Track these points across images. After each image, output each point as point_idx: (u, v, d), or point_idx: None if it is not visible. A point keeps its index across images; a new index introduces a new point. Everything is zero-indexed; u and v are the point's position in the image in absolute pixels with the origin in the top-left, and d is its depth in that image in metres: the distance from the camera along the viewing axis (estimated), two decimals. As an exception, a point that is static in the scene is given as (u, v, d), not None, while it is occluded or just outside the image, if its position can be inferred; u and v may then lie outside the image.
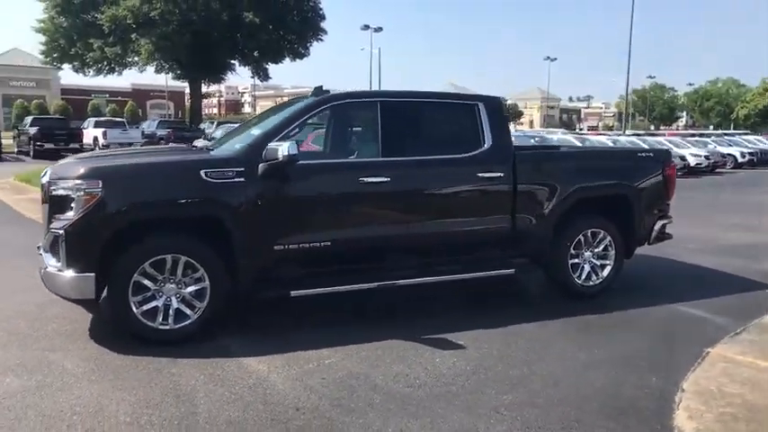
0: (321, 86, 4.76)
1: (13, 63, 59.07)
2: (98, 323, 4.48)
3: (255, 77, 43.44)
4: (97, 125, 26.61)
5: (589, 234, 5.33)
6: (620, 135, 28.26)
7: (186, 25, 30.67)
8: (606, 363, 3.94)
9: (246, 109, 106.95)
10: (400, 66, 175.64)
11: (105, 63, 33.64)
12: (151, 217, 4.02)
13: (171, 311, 4.06)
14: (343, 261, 4.54)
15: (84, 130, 26.11)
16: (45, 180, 4.10)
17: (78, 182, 3.85)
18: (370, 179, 4.46)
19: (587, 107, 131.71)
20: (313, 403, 3.30)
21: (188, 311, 4.10)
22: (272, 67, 40.61)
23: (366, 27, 43.69)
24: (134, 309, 3.96)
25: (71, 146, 23.27)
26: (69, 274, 3.84)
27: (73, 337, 4.19)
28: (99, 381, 3.53)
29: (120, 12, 29.35)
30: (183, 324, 4.08)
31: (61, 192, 3.92)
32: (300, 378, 3.62)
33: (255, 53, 38.56)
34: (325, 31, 40.48)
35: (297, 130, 4.47)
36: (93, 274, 3.84)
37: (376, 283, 4.61)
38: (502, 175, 4.91)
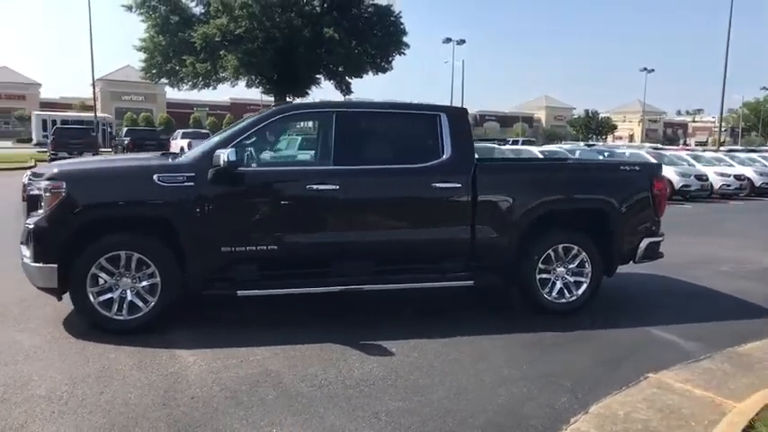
0: (285, 98, 4.99)
1: (127, 79, 64.96)
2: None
3: (339, 91, 44.86)
4: (184, 136, 28.74)
5: (560, 249, 5.15)
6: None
7: (270, 42, 32.37)
8: (528, 380, 3.82)
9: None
10: (490, 78, 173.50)
11: (198, 78, 36.24)
12: (108, 216, 4.44)
13: (125, 303, 4.44)
14: (291, 266, 4.72)
15: (172, 141, 28.28)
16: (25, 181, 4.64)
17: (46, 183, 4.34)
18: (318, 186, 4.62)
19: (694, 121, 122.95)
20: (210, 394, 3.51)
21: (141, 304, 4.46)
22: (359, 81, 41.85)
23: (448, 40, 43.81)
24: (92, 299, 4.37)
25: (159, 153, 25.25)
26: (36, 264, 4.32)
27: (48, 323, 4.68)
28: (42, 359, 3.96)
29: (210, 30, 31.54)
30: (135, 316, 4.45)
31: (35, 191, 4.44)
32: (217, 372, 3.84)
33: (339, 68, 39.99)
34: (407, 45, 41.14)
35: (253, 138, 4.74)
36: (55, 266, 4.29)
37: (322, 289, 4.76)
38: (459, 185, 4.89)
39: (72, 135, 25.24)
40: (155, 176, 4.41)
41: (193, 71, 33.38)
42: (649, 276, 6.82)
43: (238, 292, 4.56)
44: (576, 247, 5.17)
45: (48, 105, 62.68)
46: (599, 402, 3.50)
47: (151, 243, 4.44)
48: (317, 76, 40.40)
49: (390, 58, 41.11)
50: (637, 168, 5.44)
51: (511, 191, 5.06)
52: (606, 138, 65.47)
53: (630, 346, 4.52)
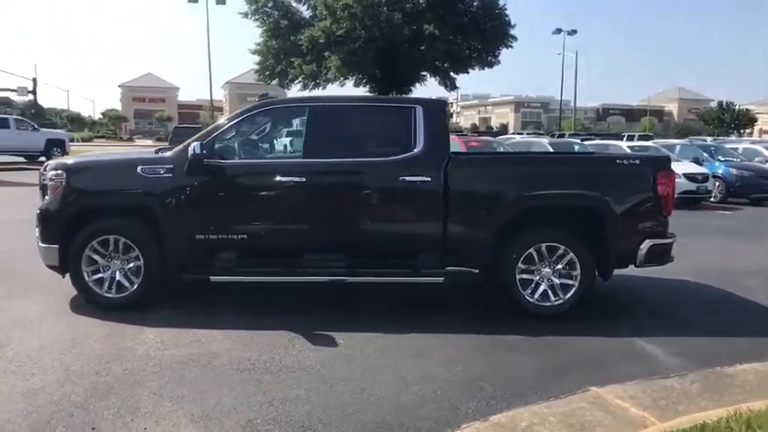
0: (267, 93, 5.21)
1: (251, 82, 69.65)
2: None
3: (444, 87, 44.65)
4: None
5: (544, 249, 4.84)
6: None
7: (371, 41, 33.11)
8: (451, 381, 3.68)
9: (455, 119, 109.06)
10: (612, 70, 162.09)
11: (308, 79, 38.06)
12: (98, 203, 4.94)
13: (114, 283, 4.91)
14: (262, 255, 4.92)
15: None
16: (41, 172, 5.29)
17: (51, 173, 4.93)
18: (285, 179, 4.77)
19: None
20: (142, 368, 3.80)
21: (127, 284, 4.91)
22: (467, 77, 41.57)
23: (558, 31, 41.81)
24: (86, 277, 4.89)
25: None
26: (42, 244, 4.92)
27: (59, 298, 5.23)
28: (32, 328, 4.53)
29: (315, 32, 33.00)
30: (123, 294, 4.91)
31: (46, 181, 5.05)
32: (164, 349, 4.13)
33: (444, 64, 39.86)
34: (514, 38, 40.00)
35: (231, 132, 5.01)
36: (57, 246, 4.86)
37: (294, 278, 4.90)
38: (429, 179, 4.78)
39: (187, 133, 27.73)
40: (139, 168, 4.83)
41: (300, 72, 35.14)
42: (683, 283, 6.21)
43: (211, 278, 4.86)
44: (562, 247, 4.83)
45: (184, 107, 69.23)
46: (508, 411, 3.29)
47: (135, 229, 4.86)
48: (423, 72, 40.66)
49: (497, 53, 40.23)
50: (636, 162, 4.93)
51: (486, 186, 4.86)
52: (744, 132, 58.48)
53: (595, 356, 4.16)
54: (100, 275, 4.90)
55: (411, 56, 35.54)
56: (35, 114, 57.66)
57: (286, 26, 35.41)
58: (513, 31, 39.06)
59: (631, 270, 5.74)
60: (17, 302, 5.12)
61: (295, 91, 39.51)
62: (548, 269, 4.90)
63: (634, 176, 4.87)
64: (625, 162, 4.91)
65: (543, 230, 4.87)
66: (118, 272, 4.91)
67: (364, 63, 33.74)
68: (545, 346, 4.34)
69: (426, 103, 4.98)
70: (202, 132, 5.02)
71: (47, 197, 4.97)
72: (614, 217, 4.80)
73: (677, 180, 12.83)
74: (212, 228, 4.82)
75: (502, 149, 13.50)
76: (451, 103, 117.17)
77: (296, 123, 5.09)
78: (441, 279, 4.87)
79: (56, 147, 22.34)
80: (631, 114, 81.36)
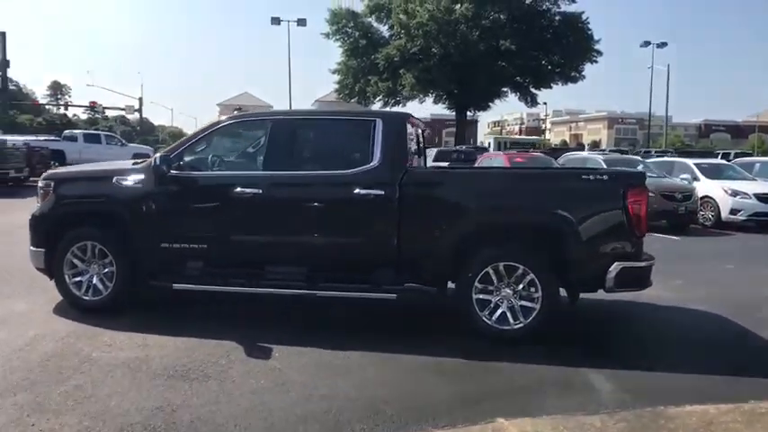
0: (240, 108, 5.35)
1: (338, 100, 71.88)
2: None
3: (524, 103, 43.57)
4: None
5: (502, 268, 4.57)
6: None
7: (446, 58, 33.09)
8: (352, 402, 3.56)
9: (547, 135, 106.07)
10: (715, 84, 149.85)
11: (388, 97, 38.71)
12: (77, 211, 5.29)
13: (91, 286, 5.22)
14: (221, 265, 5.02)
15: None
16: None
17: (41, 182, 5.36)
18: (242, 190, 4.86)
19: None
20: (69, 366, 4.00)
21: (102, 288, 5.20)
22: (550, 93, 40.52)
23: (647, 44, 39.54)
24: (67, 280, 5.24)
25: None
26: (31, 248, 5.34)
27: (48, 296, 5.54)
28: (11, 324, 4.91)
29: (391, 51, 33.55)
30: (97, 297, 5.20)
31: (40, 190, 5.49)
32: (108, 352, 4.32)
33: (526, 80, 39.03)
34: (598, 52, 38.45)
35: (199, 146, 5.20)
36: (43, 250, 5.26)
37: (252, 290, 4.95)
38: (383, 193, 4.68)
39: None
40: (114, 179, 5.13)
41: (377, 90, 35.82)
42: (687, 312, 5.65)
43: (174, 285, 5.02)
44: (521, 267, 4.54)
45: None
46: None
47: (108, 235, 5.15)
48: (504, 89, 39.99)
49: (580, 67, 38.82)
50: (604, 178, 4.52)
51: (440, 201, 4.68)
52: None
53: (530, 385, 3.86)
54: (79, 279, 5.23)
55: (488, 72, 35.10)
56: (142, 131, 62.90)
57: (364, 45, 36.33)
58: (599, 46, 37.62)
59: (636, 296, 5.37)
60: (12, 301, 5.57)
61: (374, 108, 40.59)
62: (508, 290, 4.62)
63: (601, 193, 4.48)
64: (591, 178, 4.52)
65: (501, 249, 4.60)
66: (95, 276, 5.22)
67: (439, 80, 33.79)
68: (482, 371, 4.08)
69: (386, 117, 4.91)
70: (172, 145, 5.25)
71: (38, 204, 5.40)
72: (576, 236, 4.44)
73: (747, 201, 11.91)
74: (175, 237, 5.01)
75: (555, 165, 12.98)
76: (542, 119, 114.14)
77: (261, 137, 5.18)
78: (393, 296, 4.72)
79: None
80: (738, 131, 75.06)
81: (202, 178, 5.08)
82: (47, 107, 79.47)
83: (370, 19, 37.33)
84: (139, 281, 5.16)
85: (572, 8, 37.58)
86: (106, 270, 5.18)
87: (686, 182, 12.73)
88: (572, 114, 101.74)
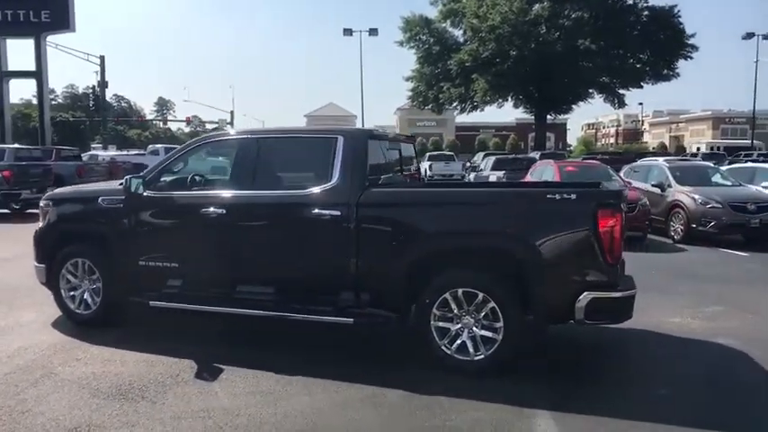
0: (218, 126, 5.42)
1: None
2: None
3: (611, 105, 41.24)
4: (430, 158, 30.68)
5: (461, 294, 4.27)
6: None
7: (520, 60, 32.05)
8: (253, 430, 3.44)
9: (646, 138, 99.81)
10: None
11: (464, 102, 38.20)
12: (68, 230, 5.59)
13: (82, 301, 5.50)
14: (192, 283, 5.08)
15: (420, 164, 30.51)
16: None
17: (42, 203, 5.72)
18: (208, 210, 4.90)
19: None
20: (25, 380, 4.23)
21: (91, 303, 5.46)
22: (642, 93, 38.22)
23: (749, 35, 36.02)
24: (63, 294, 5.55)
25: (403, 175, 27.64)
26: (35, 264, 5.71)
27: (54, 308, 5.93)
28: (10, 333, 5.27)
29: (463, 56, 33.03)
30: (87, 311, 5.47)
31: (41, 210, 5.85)
32: (72, 366, 4.51)
33: (613, 80, 37.02)
34: (693, 47, 35.69)
35: (174, 166, 5.32)
36: (44, 265, 5.61)
37: (219, 309, 4.97)
38: (339, 213, 4.54)
39: None
40: (100, 199, 5.37)
41: (449, 96, 35.41)
42: (706, 348, 5.07)
43: (150, 302, 5.15)
44: (480, 294, 4.20)
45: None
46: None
47: (95, 253, 5.39)
48: (590, 90, 38.14)
49: (672, 65, 36.20)
50: (572, 197, 4.05)
51: (395, 222, 4.45)
52: None
53: (457, 427, 3.53)
54: (72, 293, 5.52)
55: (567, 74, 33.60)
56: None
57: (438, 51, 36.08)
58: (692, 41, 34.90)
59: (652, 323, 4.85)
60: (22, 312, 5.97)
61: (443, 115, 40.07)
62: (469, 318, 4.30)
63: (566, 214, 4.04)
64: (557, 197, 4.07)
65: (458, 274, 4.29)
66: (86, 291, 5.48)
67: (512, 84, 32.81)
68: (419, 407, 3.80)
69: (347, 134, 4.75)
70: (152, 167, 5.41)
71: (40, 223, 5.77)
72: (537, 262, 4.04)
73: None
74: (151, 255, 5.14)
75: (612, 175, 12.10)
76: (640, 121, 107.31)
77: (228, 157, 5.21)
78: (350, 320, 4.54)
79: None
80: None
81: (172, 198, 5.17)
82: (154, 122, 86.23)
83: (444, 24, 37.03)
84: (122, 297, 5.34)
85: (661, 2, 35.16)
86: (94, 286, 5.43)
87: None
88: (673, 115, 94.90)
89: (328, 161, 4.70)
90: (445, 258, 4.36)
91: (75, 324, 5.47)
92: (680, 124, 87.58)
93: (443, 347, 4.34)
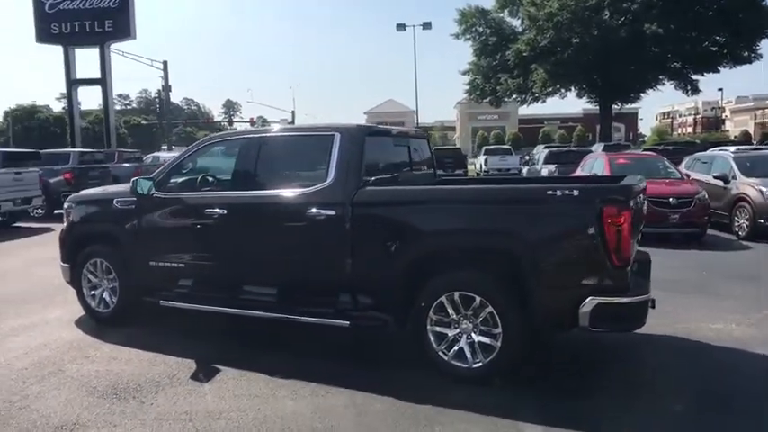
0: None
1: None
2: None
3: (683, 92, 38.76)
4: (485, 153, 29.98)
5: (457, 298, 4.03)
6: None
7: (582, 48, 30.62)
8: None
9: (727, 126, 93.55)
10: None
11: (524, 94, 37.05)
12: (87, 231, 5.76)
13: (102, 300, 5.66)
14: (198, 283, 5.09)
15: (473, 158, 29.88)
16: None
17: (66, 205, 5.94)
18: (211, 211, 4.90)
19: None
20: (41, 375, 4.38)
21: (109, 302, 5.62)
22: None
23: (843, 9, 32.61)
24: (85, 293, 5.74)
25: (456, 171, 27.13)
26: (61, 263, 5.94)
27: (73, 306, 6.14)
28: (33, 329, 5.50)
29: (521, 46, 31.97)
30: (106, 310, 5.64)
31: (64, 211, 6.07)
32: (79, 363, 4.64)
33: (686, 65, 34.85)
34: (780, 24, 32.85)
35: (183, 167, 5.36)
36: (68, 265, 5.82)
37: (225, 309, 4.96)
38: (334, 213, 4.40)
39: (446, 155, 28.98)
40: (114, 200, 5.50)
41: (507, 88, 34.43)
42: (749, 358, 4.54)
43: (161, 302, 5.22)
44: (478, 298, 3.95)
45: (420, 129, 73.58)
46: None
47: (111, 253, 5.53)
48: (660, 77, 36.03)
49: (755, 46, 33.50)
50: (574, 193, 3.70)
51: (389, 222, 4.26)
52: None
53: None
54: (93, 292, 5.70)
55: (632, 60, 31.81)
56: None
57: (495, 42, 35.14)
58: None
59: (690, 329, 4.55)
60: (51, 309, 6.24)
61: (502, 107, 38.80)
62: (467, 323, 4.05)
63: (568, 212, 3.70)
64: (558, 194, 3.73)
65: (454, 276, 4.05)
66: (105, 290, 5.64)
67: (573, 73, 31.43)
68: (403, 417, 3.60)
69: (343, 131, 4.59)
70: (162, 168, 5.48)
71: (64, 223, 5.99)
72: (534, 264, 3.74)
73: None
74: (159, 255, 5.21)
75: (669, 167, 11.33)
76: (720, 108, 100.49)
77: (233, 157, 5.17)
78: (346, 323, 4.40)
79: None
80: None
81: (178, 199, 5.21)
82: (221, 124, 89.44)
83: (501, 14, 36.02)
84: (136, 296, 5.45)
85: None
86: (112, 285, 5.57)
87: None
88: (759, 100, 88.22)
89: (325, 159, 4.58)
90: (441, 259, 4.13)
91: (96, 322, 5.64)
92: (766, 110, 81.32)
93: (440, 353, 4.12)
